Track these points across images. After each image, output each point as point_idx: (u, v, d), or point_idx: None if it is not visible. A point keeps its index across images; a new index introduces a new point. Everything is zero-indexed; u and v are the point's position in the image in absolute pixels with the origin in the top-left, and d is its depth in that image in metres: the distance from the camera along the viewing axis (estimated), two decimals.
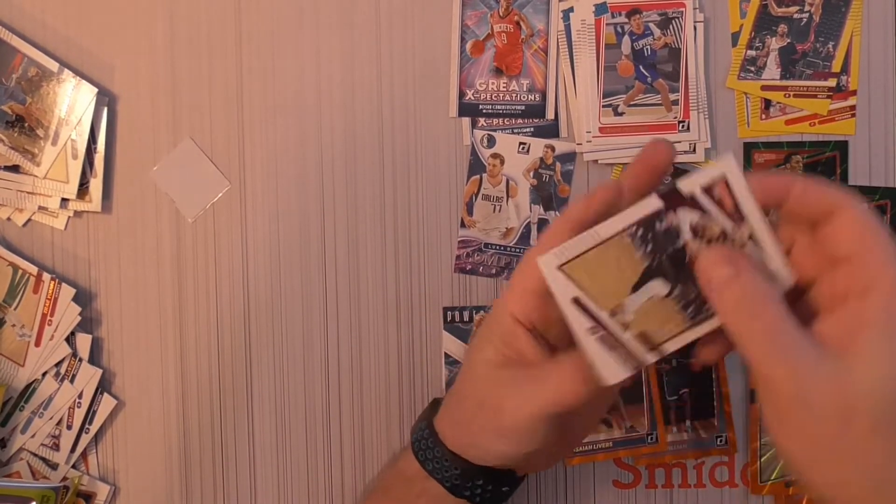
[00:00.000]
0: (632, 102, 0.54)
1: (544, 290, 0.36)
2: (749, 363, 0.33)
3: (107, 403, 0.55)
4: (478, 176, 0.55)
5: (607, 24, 0.53)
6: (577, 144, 0.54)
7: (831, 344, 0.32)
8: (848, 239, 0.33)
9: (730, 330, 0.33)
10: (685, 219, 0.35)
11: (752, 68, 0.54)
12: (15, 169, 0.55)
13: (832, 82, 0.54)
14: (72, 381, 0.55)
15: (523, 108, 0.54)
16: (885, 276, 0.32)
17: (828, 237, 0.34)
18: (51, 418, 0.55)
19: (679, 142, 0.53)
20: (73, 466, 0.55)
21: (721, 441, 0.55)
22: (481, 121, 0.55)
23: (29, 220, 0.55)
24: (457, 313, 0.55)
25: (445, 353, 0.55)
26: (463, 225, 0.55)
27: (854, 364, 0.31)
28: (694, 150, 0.53)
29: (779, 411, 0.33)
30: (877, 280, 0.32)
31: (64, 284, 0.54)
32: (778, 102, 0.54)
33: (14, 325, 0.55)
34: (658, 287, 0.35)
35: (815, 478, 0.33)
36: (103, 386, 0.55)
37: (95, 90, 0.54)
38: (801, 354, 0.31)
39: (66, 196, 0.55)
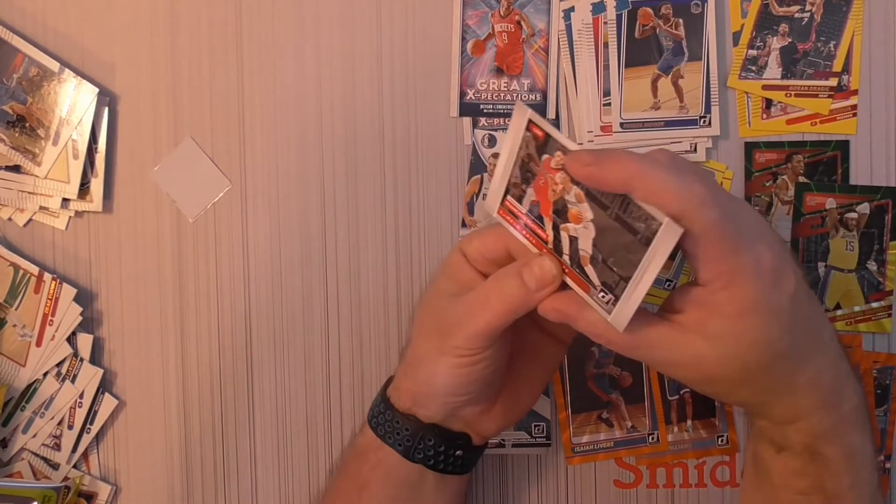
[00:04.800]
0: None
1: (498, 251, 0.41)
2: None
3: (108, 403, 0.55)
4: (479, 176, 0.55)
5: (605, 23, 0.53)
6: (579, 144, 0.54)
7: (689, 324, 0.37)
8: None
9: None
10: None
11: (754, 68, 0.54)
12: (16, 169, 0.55)
13: (833, 82, 0.54)
14: (73, 382, 0.55)
15: None
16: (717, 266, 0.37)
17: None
18: (52, 418, 0.55)
19: (680, 141, 0.53)
20: (75, 466, 0.55)
21: (722, 441, 0.55)
22: (482, 120, 0.55)
23: (30, 220, 0.56)
24: None
25: None
26: (464, 225, 0.55)
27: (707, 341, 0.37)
28: (695, 149, 0.53)
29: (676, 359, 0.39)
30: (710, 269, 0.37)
31: (65, 284, 0.54)
32: (779, 102, 0.54)
33: (15, 326, 0.55)
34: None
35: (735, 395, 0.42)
36: (104, 386, 0.56)
37: (96, 90, 0.54)
38: (655, 347, 0.38)
39: (66, 196, 0.55)
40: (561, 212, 0.37)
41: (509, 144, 0.38)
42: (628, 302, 0.35)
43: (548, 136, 0.37)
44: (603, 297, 0.36)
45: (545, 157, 0.37)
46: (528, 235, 0.39)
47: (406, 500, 0.45)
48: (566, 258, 0.38)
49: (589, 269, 0.37)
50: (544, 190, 0.38)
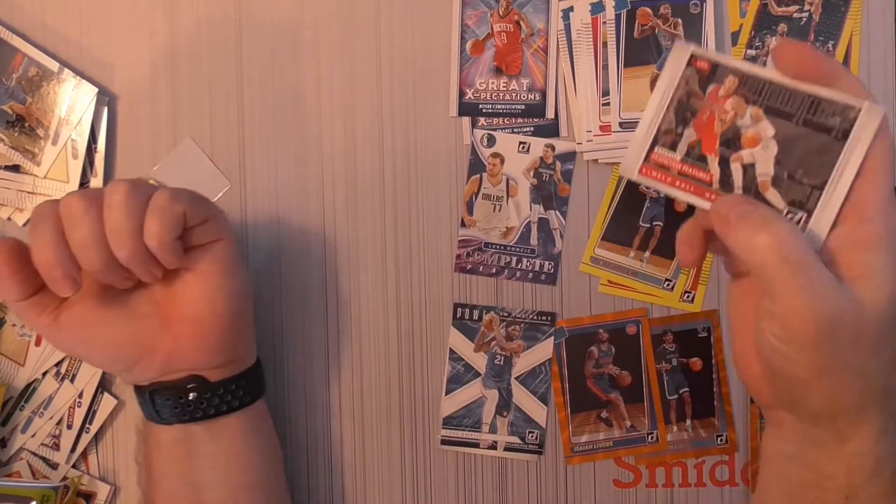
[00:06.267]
0: None
1: None
2: (767, 286, 0.34)
3: (107, 403, 0.55)
4: (478, 175, 0.55)
5: (604, 23, 0.54)
6: (578, 144, 0.54)
7: (842, 269, 0.34)
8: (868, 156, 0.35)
9: (749, 255, 0.35)
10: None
11: None
12: (15, 169, 0.55)
13: None
14: (72, 381, 0.55)
15: (523, 107, 0.54)
16: (886, 205, 0.34)
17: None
18: (51, 418, 0.55)
19: None
20: (74, 466, 0.55)
21: (721, 440, 0.55)
22: (481, 120, 0.55)
23: (29, 219, 0.56)
24: (467, 311, 0.55)
25: (451, 349, 0.55)
26: (463, 224, 0.55)
27: (864, 289, 0.34)
28: None
29: (789, 332, 0.34)
30: (880, 207, 0.34)
31: None
32: None
33: (14, 325, 0.55)
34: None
35: (813, 392, 0.36)
36: (104, 385, 0.55)
37: (96, 90, 0.54)
38: (824, 285, 0.33)
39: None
40: (731, 141, 0.37)
41: (663, 87, 0.37)
42: (827, 207, 0.35)
43: (715, 65, 0.37)
44: (791, 217, 0.35)
45: (711, 87, 0.37)
46: (683, 184, 0.37)
47: (184, 459, 0.46)
48: (739, 192, 0.37)
49: (771, 194, 0.36)
50: (709, 125, 0.37)
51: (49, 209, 0.41)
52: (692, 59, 0.37)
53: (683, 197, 0.38)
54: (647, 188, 0.54)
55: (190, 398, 0.46)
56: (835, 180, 0.34)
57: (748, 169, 0.36)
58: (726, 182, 0.37)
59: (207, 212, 0.43)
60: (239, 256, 0.46)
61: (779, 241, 0.33)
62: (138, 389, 0.47)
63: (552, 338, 0.55)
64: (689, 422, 0.55)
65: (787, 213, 0.36)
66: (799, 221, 0.35)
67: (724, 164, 0.37)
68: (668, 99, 0.37)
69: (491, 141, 0.54)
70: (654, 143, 0.38)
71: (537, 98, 0.54)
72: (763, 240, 0.34)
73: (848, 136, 0.34)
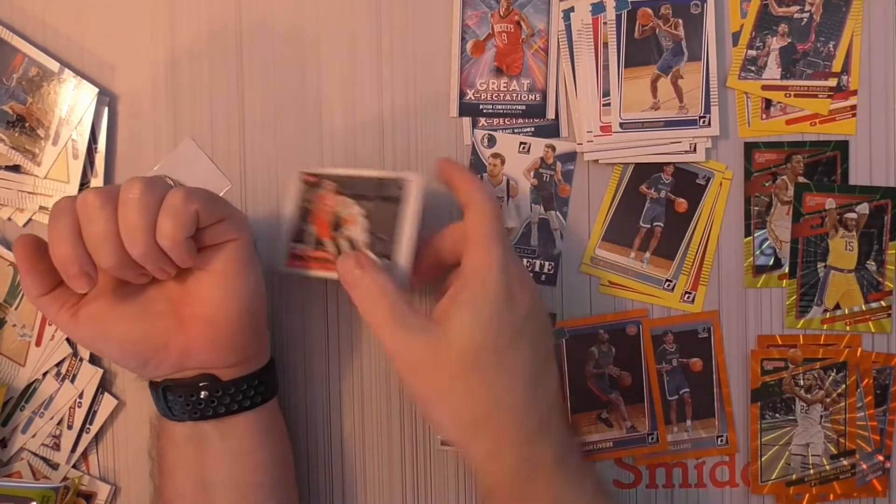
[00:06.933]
0: None
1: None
2: (376, 337, 0.46)
3: (107, 403, 0.55)
4: (478, 176, 0.55)
5: (604, 24, 0.53)
6: (578, 144, 0.54)
7: (437, 317, 0.44)
8: (468, 229, 0.45)
9: (361, 314, 0.45)
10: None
11: (753, 68, 0.54)
12: (16, 169, 0.55)
13: (833, 82, 0.54)
14: (72, 381, 0.55)
15: (524, 107, 0.54)
16: (476, 263, 0.44)
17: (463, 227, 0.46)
18: (51, 418, 0.55)
19: (679, 141, 0.53)
20: (74, 466, 0.55)
21: (722, 441, 0.55)
22: (482, 121, 0.55)
23: (30, 220, 0.56)
24: None
25: None
26: None
27: (446, 330, 0.43)
28: (695, 149, 0.53)
29: (401, 373, 0.45)
30: (471, 271, 0.44)
31: None
32: (778, 102, 0.54)
33: (15, 325, 0.55)
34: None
35: (427, 417, 0.50)
36: (104, 386, 0.55)
37: (96, 90, 0.54)
38: (409, 330, 0.43)
39: (66, 196, 0.54)
40: (337, 225, 0.47)
41: (290, 203, 0.48)
42: (400, 250, 0.46)
43: (319, 176, 0.48)
44: (385, 265, 0.46)
45: (319, 192, 0.47)
46: (317, 266, 0.48)
47: (194, 457, 0.47)
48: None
49: (370, 254, 0.46)
50: (322, 218, 0.47)
51: (67, 205, 0.41)
52: (303, 177, 0.49)
53: (320, 274, 0.48)
54: (647, 188, 0.54)
55: (201, 396, 0.46)
56: (400, 230, 0.45)
57: (353, 242, 0.47)
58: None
59: (223, 212, 0.44)
60: (254, 257, 0.46)
61: (365, 297, 0.44)
62: (152, 385, 0.48)
63: None
64: (689, 422, 0.55)
65: (382, 262, 0.46)
66: (388, 267, 0.46)
67: (336, 243, 0.47)
68: (295, 208, 0.48)
69: (491, 141, 0.54)
70: (291, 241, 0.48)
71: (538, 98, 0.54)
72: (356, 297, 0.44)
73: (403, 200, 0.46)
